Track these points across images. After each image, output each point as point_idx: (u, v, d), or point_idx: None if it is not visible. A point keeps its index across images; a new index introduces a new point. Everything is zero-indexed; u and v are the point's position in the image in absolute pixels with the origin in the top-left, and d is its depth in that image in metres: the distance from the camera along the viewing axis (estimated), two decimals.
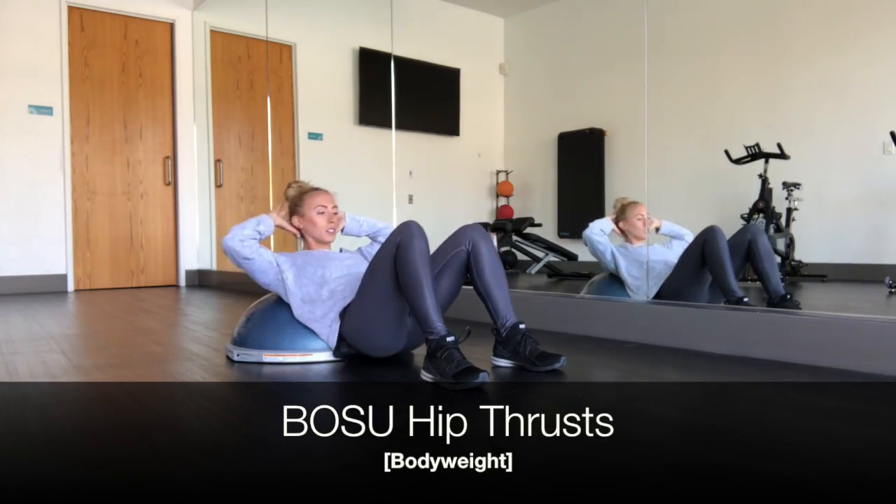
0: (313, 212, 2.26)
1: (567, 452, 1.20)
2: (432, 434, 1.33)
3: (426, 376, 1.81)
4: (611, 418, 1.43)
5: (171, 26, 5.70)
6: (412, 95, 6.68)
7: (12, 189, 4.94)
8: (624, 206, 3.15)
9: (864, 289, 4.10)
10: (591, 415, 1.46)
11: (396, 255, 1.84)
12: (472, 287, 2.05)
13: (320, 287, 2.13)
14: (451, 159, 7.24)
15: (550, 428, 1.36)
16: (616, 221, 3.16)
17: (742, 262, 2.82)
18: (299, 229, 2.30)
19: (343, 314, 2.07)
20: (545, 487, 1.04)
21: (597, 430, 1.34)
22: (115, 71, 5.43)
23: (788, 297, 2.76)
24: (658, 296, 2.86)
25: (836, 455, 1.18)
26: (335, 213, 2.29)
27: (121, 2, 5.40)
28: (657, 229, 3.11)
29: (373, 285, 1.95)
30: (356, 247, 2.47)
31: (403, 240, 1.83)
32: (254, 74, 6.15)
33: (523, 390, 1.71)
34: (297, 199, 2.30)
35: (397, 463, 1.15)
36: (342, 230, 2.36)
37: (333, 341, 2.07)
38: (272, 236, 2.39)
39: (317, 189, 2.32)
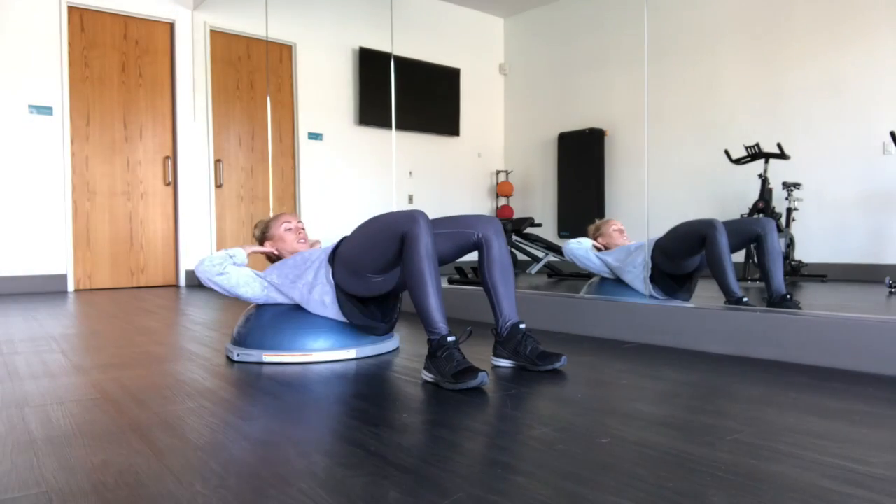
0: (280, 229, 2.33)
1: (567, 452, 1.20)
2: (432, 434, 1.33)
3: (426, 376, 1.81)
4: (611, 418, 1.43)
5: (171, 26, 5.70)
6: (412, 95, 6.69)
7: (12, 189, 4.94)
8: (598, 225, 3.28)
9: (864, 289, 4.10)
10: (592, 415, 1.46)
11: (402, 246, 1.85)
12: (474, 287, 2.06)
13: (303, 263, 2.19)
14: (451, 159, 7.25)
15: (550, 428, 1.36)
16: (595, 239, 3.24)
17: (739, 245, 2.83)
18: (275, 251, 2.37)
19: (332, 260, 2.11)
20: (545, 487, 1.04)
21: (597, 430, 1.34)
22: (115, 71, 5.43)
23: (789, 297, 2.76)
24: (652, 261, 2.89)
25: (836, 455, 1.18)
26: (301, 228, 2.37)
27: (121, 2, 5.40)
28: None
29: (370, 251, 1.98)
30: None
31: (411, 235, 1.83)
32: (254, 74, 6.15)
33: (523, 390, 1.71)
34: (263, 230, 2.39)
35: (398, 462, 1.15)
36: None
37: (332, 298, 2.12)
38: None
39: (279, 214, 2.42)
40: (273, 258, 2.38)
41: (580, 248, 3.15)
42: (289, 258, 2.24)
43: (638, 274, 2.90)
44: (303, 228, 2.38)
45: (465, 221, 2.03)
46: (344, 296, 2.13)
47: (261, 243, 2.38)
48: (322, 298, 2.14)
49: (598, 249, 3.20)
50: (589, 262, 3.13)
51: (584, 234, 3.28)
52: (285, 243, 2.33)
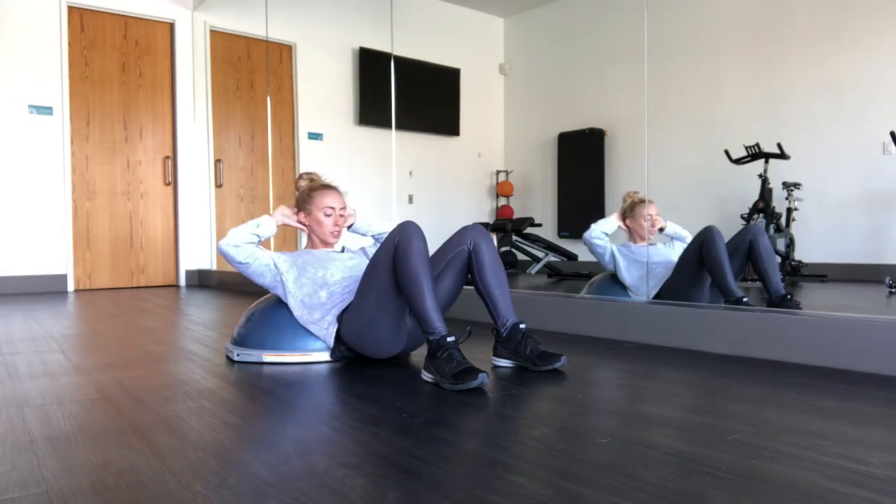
0: (320, 213, 2.23)
1: (567, 452, 1.20)
2: (432, 434, 1.33)
3: (426, 376, 1.81)
4: (611, 418, 1.43)
5: (171, 26, 5.70)
6: (412, 95, 6.69)
7: (12, 189, 4.94)
8: (634, 203, 3.15)
9: (864, 289, 4.10)
10: (592, 415, 1.46)
11: (395, 255, 1.84)
12: (472, 287, 2.05)
13: (319, 288, 2.13)
14: (451, 159, 7.25)
15: (550, 428, 1.36)
16: (623, 217, 3.16)
17: (743, 261, 2.83)
18: (306, 225, 2.28)
19: (341, 316, 2.08)
20: (545, 487, 1.04)
21: (597, 430, 1.34)
22: (115, 71, 5.43)
23: (788, 297, 2.76)
24: (658, 296, 2.87)
25: (836, 455, 1.18)
26: (342, 216, 2.27)
27: (121, 2, 5.40)
28: (661, 230, 3.12)
29: (372, 286, 1.95)
30: (358, 245, 2.47)
31: (402, 240, 1.83)
32: (254, 74, 6.15)
33: (523, 390, 1.71)
34: (305, 196, 2.26)
35: (398, 462, 1.15)
36: (349, 227, 2.35)
37: (331, 342, 2.08)
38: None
39: (327, 187, 2.28)
40: (303, 231, 2.31)
41: (600, 246, 3.08)
42: (310, 261, 2.18)
43: (642, 297, 2.89)
44: (342, 215, 2.26)
45: (452, 243, 2.00)
46: (345, 347, 2.09)
47: (298, 206, 2.28)
48: (317, 334, 2.11)
49: (625, 230, 3.13)
50: (602, 258, 3.09)
51: (585, 231, 3.17)
52: (320, 227, 2.24)
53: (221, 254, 2.15)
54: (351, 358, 2.13)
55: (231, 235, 2.14)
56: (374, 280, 1.93)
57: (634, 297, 2.93)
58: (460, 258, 2.00)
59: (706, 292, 2.82)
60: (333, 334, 2.07)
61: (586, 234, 3.12)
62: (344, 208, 2.28)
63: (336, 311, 2.09)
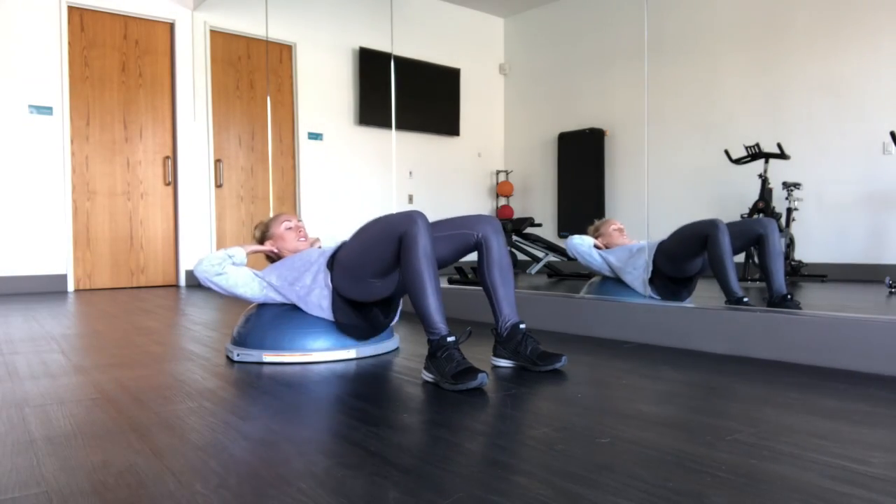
0: (281, 228, 2.34)
1: (567, 452, 1.20)
2: (432, 434, 1.33)
3: (426, 376, 1.81)
4: (611, 418, 1.43)
5: (171, 26, 5.70)
6: (412, 95, 6.69)
7: (12, 189, 4.94)
8: (597, 226, 3.30)
9: (864, 289, 4.10)
10: (592, 415, 1.46)
11: (400, 247, 1.85)
12: (474, 287, 2.06)
13: (300, 265, 2.19)
14: (451, 159, 7.25)
15: (550, 428, 1.36)
16: (595, 239, 3.25)
17: (742, 247, 2.83)
18: (275, 251, 2.37)
19: (331, 265, 2.12)
20: (545, 487, 1.04)
21: (597, 430, 1.34)
22: (115, 71, 5.43)
23: (789, 297, 2.76)
24: (653, 265, 2.90)
25: (836, 455, 1.18)
26: (301, 227, 2.38)
27: (121, 2, 5.40)
28: None
29: (368, 252, 1.98)
30: None
31: (409, 235, 1.82)
32: (254, 74, 6.15)
33: (523, 390, 1.71)
34: (263, 230, 2.39)
35: (398, 462, 1.15)
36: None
37: (328, 310, 2.12)
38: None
39: (279, 215, 2.43)
40: (273, 258, 2.38)
41: (582, 245, 3.15)
42: (287, 258, 2.24)
43: (638, 275, 2.90)
44: (303, 227, 2.38)
45: (463, 222, 2.02)
46: (341, 300, 2.13)
47: (261, 243, 2.38)
48: (320, 302, 2.13)
49: (599, 248, 3.20)
50: (591, 258, 3.13)
51: (584, 233, 3.28)
52: (286, 242, 2.33)
53: (198, 275, 2.20)
54: (358, 319, 2.16)
55: (202, 258, 2.21)
56: (371, 246, 1.96)
57: (630, 278, 2.95)
58: (463, 240, 2.02)
59: (700, 260, 2.85)
60: (331, 287, 2.10)
61: (567, 244, 3.22)
62: (300, 221, 2.40)
63: (325, 266, 2.13)
